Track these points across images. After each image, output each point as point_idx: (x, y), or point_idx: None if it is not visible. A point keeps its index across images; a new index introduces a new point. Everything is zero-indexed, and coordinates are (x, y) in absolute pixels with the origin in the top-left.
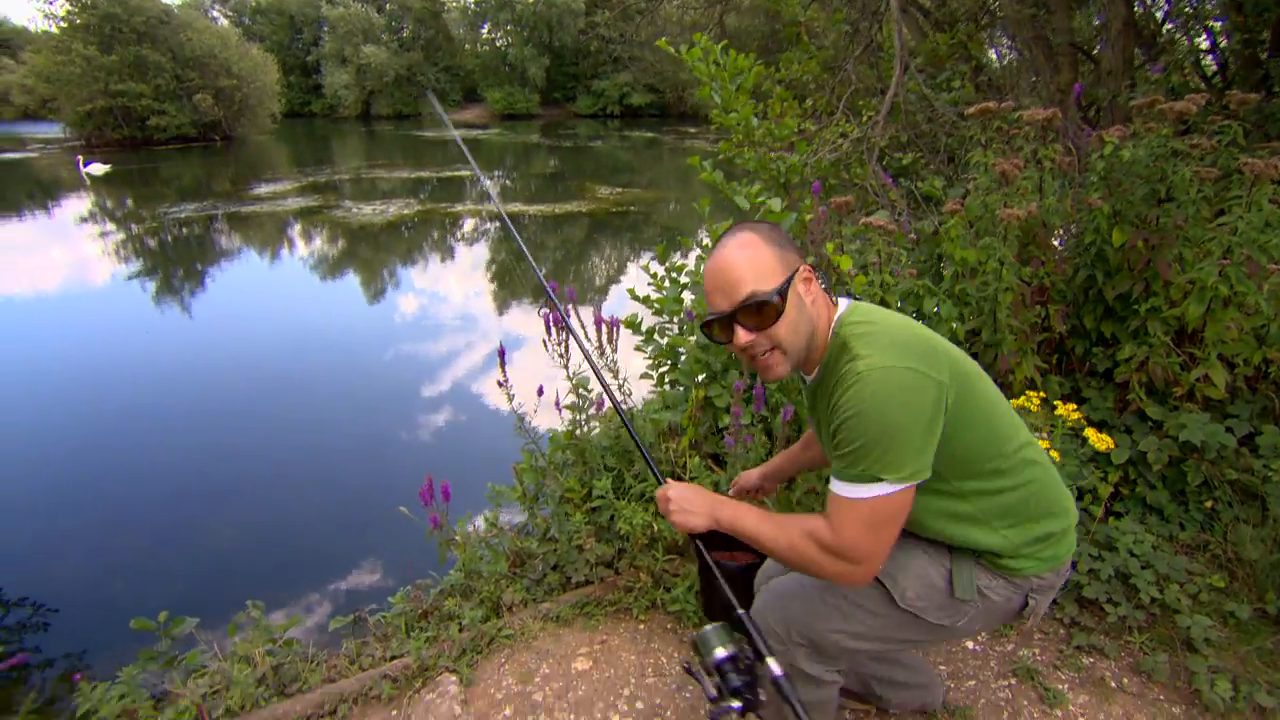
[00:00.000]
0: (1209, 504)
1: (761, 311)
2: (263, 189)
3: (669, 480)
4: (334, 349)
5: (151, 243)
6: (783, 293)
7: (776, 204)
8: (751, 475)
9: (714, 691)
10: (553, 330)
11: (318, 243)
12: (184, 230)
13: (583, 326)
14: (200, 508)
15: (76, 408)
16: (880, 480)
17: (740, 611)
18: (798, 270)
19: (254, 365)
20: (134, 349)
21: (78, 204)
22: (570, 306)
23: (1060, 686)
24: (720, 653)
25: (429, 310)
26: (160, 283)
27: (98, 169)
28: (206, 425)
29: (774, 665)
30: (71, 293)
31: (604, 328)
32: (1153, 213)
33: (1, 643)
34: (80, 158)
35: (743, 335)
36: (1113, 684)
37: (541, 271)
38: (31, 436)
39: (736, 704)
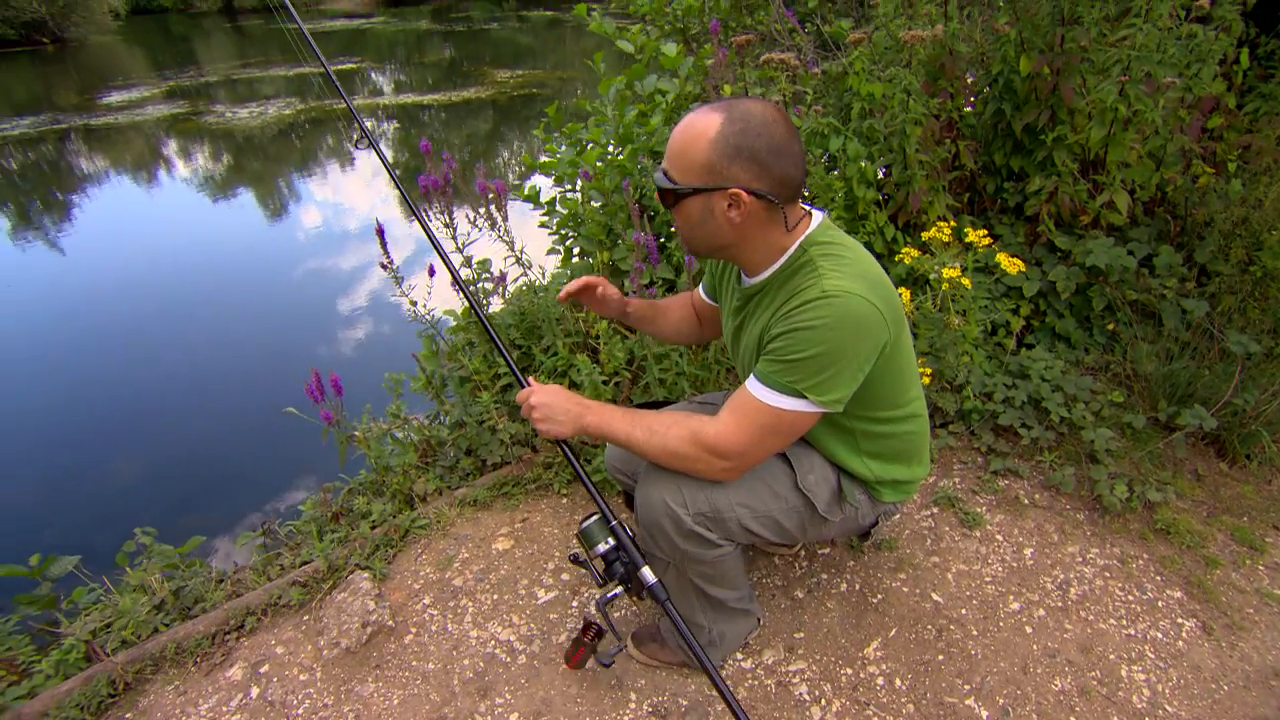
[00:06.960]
0: (1111, 326)
1: (661, 192)
2: (115, 97)
3: (531, 382)
4: (224, 267)
5: None
6: (682, 195)
7: (670, 48)
8: (611, 289)
9: (601, 578)
10: (432, 199)
11: (194, 154)
12: (30, 153)
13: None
14: (95, 444)
15: None
16: (804, 397)
17: (614, 523)
18: (724, 189)
19: (135, 293)
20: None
21: None
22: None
23: (979, 509)
24: (602, 547)
25: (326, 219)
26: (15, 216)
27: None
28: (89, 361)
29: (648, 574)
30: None
31: (490, 196)
32: (1057, 33)
33: None
34: None
35: (660, 193)
36: (1026, 501)
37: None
38: None
39: (619, 589)
